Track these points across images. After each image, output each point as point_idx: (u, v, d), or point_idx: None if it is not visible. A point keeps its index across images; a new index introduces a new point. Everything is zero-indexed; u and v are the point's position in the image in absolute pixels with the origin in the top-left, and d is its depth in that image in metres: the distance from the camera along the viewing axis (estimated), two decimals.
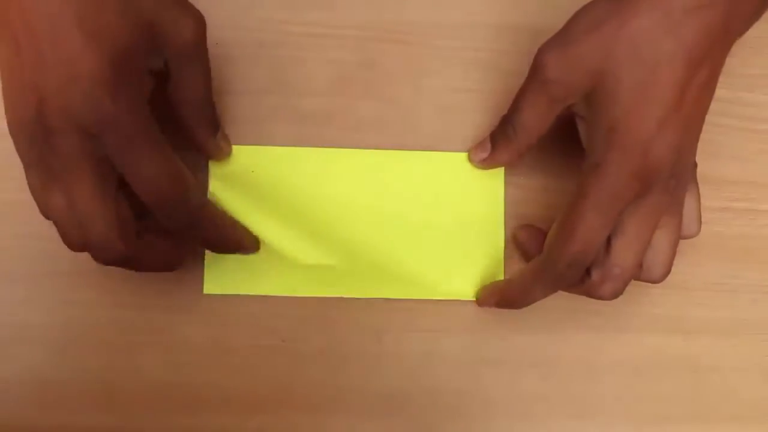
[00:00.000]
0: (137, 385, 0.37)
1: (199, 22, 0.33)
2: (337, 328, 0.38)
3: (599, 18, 0.31)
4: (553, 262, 0.33)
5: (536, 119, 0.34)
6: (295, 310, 0.38)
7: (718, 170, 0.39)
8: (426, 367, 0.38)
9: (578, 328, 0.38)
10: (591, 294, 0.34)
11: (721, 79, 0.32)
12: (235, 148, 0.38)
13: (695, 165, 0.35)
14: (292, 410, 0.37)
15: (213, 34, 0.38)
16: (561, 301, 0.37)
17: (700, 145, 0.33)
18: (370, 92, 0.39)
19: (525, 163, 0.39)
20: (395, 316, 0.38)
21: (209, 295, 0.38)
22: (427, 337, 0.38)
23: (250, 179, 0.38)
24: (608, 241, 0.33)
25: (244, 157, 0.38)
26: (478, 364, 0.38)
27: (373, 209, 0.38)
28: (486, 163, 0.38)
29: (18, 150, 0.31)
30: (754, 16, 0.32)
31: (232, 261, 0.37)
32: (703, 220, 0.36)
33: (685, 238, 0.35)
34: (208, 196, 0.38)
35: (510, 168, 0.39)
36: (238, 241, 0.36)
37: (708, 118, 0.32)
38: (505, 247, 0.38)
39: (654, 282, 0.35)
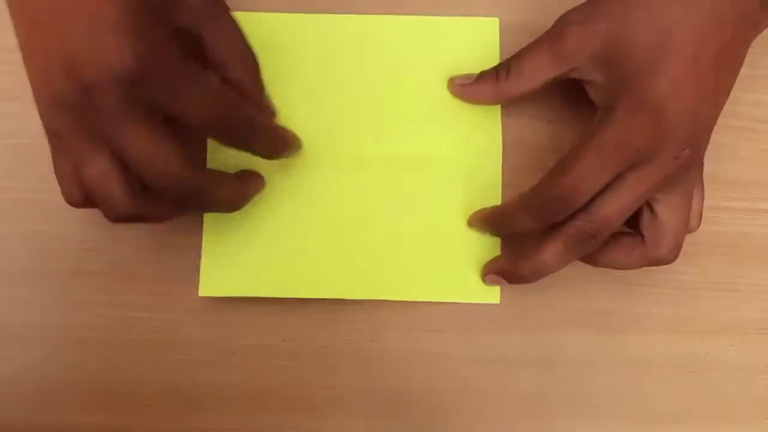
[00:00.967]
0: (137, 385, 0.37)
1: None
2: (337, 328, 0.38)
3: None
4: (542, 191, 0.33)
5: (534, 69, 0.35)
6: (295, 310, 0.38)
7: (719, 170, 0.39)
8: (426, 367, 0.38)
9: (579, 327, 0.38)
10: (567, 240, 0.34)
11: None
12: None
13: (702, 164, 0.35)
14: (292, 410, 0.37)
15: None
16: (562, 301, 0.37)
17: None
18: None
19: (522, 164, 0.39)
20: (395, 316, 0.38)
21: (209, 296, 0.38)
22: (427, 337, 0.38)
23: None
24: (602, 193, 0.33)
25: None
26: (478, 363, 0.38)
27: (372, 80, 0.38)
28: (463, 90, 0.38)
29: (49, 125, 0.30)
30: None
31: (229, 263, 0.37)
32: (703, 219, 0.36)
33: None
34: None
35: (508, 168, 0.39)
36: (290, 140, 0.36)
37: None
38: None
39: (663, 262, 0.34)
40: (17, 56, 0.38)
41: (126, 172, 0.29)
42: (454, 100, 0.38)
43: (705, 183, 0.36)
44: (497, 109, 0.38)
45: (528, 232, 0.35)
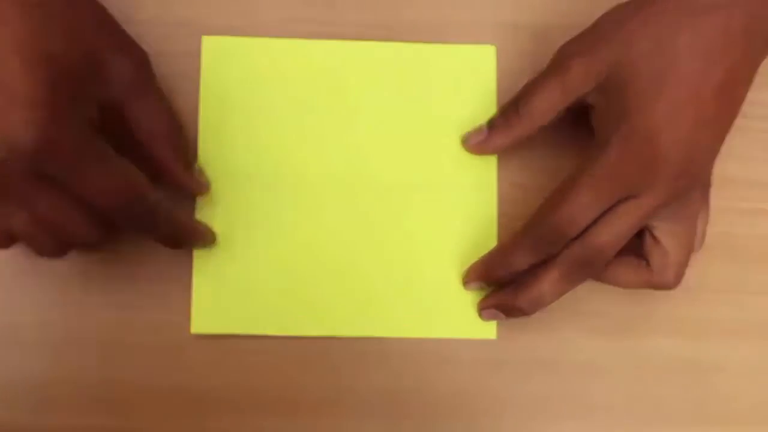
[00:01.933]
0: (137, 385, 0.37)
1: (140, 62, 0.33)
2: None
3: (624, 16, 0.32)
4: (535, 225, 0.34)
5: (546, 106, 0.34)
6: None
7: (722, 170, 0.38)
8: (426, 367, 0.38)
9: (581, 329, 0.38)
10: (563, 269, 0.34)
11: None
12: (228, 39, 0.38)
13: (709, 184, 0.35)
14: (292, 410, 0.37)
15: (211, 33, 0.38)
16: (563, 302, 0.37)
17: None
18: None
19: (522, 164, 0.39)
20: None
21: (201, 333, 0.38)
22: (427, 338, 0.38)
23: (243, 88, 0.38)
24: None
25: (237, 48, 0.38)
26: (478, 364, 0.38)
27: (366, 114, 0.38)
28: (481, 147, 0.37)
29: None
30: None
31: (222, 299, 0.37)
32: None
33: None
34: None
35: (507, 168, 0.39)
36: (198, 233, 0.36)
37: None
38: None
39: (666, 287, 0.35)
40: None
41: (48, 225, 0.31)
42: (450, 129, 0.38)
43: None
44: None
45: (526, 270, 0.35)
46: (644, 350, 0.38)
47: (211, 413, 0.37)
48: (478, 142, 0.37)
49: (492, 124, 0.37)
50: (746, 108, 0.33)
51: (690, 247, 0.35)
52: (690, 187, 0.33)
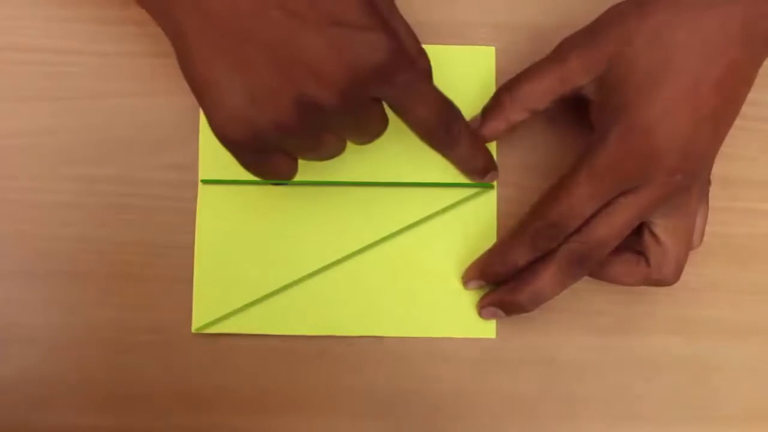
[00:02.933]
0: (137, 385, 0.37)
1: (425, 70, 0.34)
2: None
3: (624, 12, 0.33)
4: (533, 220, 0.34)
5: (540, 91, 0.35)
6: None
7: (721, 170, 0.38)
8: (426, 367, 0.38)
9: (580, 328, 0.38)
10: (561, 263, 0.34)
11: None
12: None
13: (709, 182, 0.35)
14: (292, 410, 0.37)
15: None
16: (562, 302, 0.37)
17: None
18: None
19: (521, 164, 0.39)
20: None
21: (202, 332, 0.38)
22: (427, 338, 0.38)
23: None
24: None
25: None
26: (478, 364, 0.38)
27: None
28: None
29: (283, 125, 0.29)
30: None
31: (222, 299, 0.37)
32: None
33: None
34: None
35: (507, 168, 0.39)
36: (491, 161, 0.37)
37: None
38: None
39: (665, 284, 0.35)
40: (18, 56, 0.38)
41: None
42: None
43: None
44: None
45: (525, 268, 0.35)
46: (643, 349, 0.38)
47: (211, 413, 0.37)
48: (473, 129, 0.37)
49: (486, 110, 0.37)
50: (746, 108, 0.33)
51: (689, 243, 0.35)
52: (688, 182, 0.33)
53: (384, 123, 0.32)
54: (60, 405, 0.37)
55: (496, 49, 0.39)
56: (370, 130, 0.32)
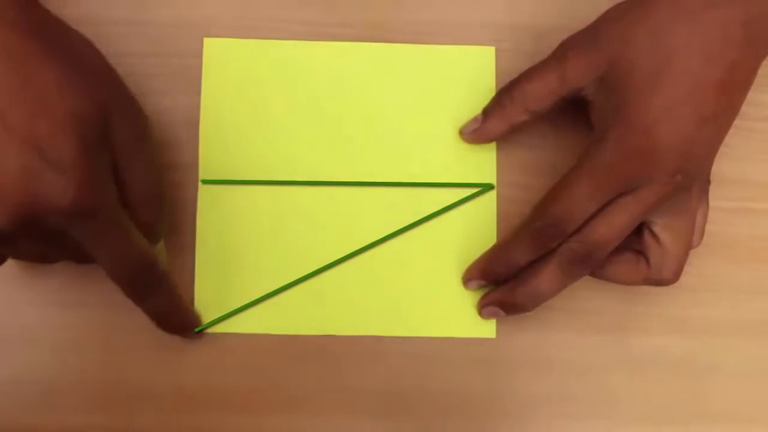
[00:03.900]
0: (137, 385, 0.37)
1: (143, 122, 0.32)
2: None
3: (624, 13, 0.33)
4: (534, 220, 0.34)
5: (541, 92, 0.35)
6: None
7: (721, 170, 0.39)
8: (426, 367, 0.38)
9: (580, 328, 0.38)
10: (561, 263, 0.34)
11: None
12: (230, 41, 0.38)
13: (709, 182, 0.35)
14: (292, 410, 0.37)
15: (212, 33, 0.39)
16: (562, 301, 0.37)
17: None
18: None
19: (521, 164, 0.39)
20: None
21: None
22: (428, 337, 0.38)
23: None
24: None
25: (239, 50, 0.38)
26: (478, 364, 0.38)
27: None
28: (476, 135, 0.37)
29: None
30: None
31: (223, 298, 0.37)
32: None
33: None
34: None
35: (507, 168, 0.39)
36: (189, 317, 0.37)
37: None
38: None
39: (665, 283, 0.35)
40: None
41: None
42: (450, 130, 0.38)
43: None
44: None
45: (525, 267, 0.35)
46: (643, 349, 0.38)
47: (211, 413, 0.37)
48: (473, 130, 0.37)
49: (486, 110, 0.37)
50: (745, 108, 0.33)
51: (689, 243, 0.35)
52: (688, 182, 0.33)
53: (75, 254, 0.32)
54: (60, 405, 0.37)
55: (496, 49, 0.39)
56: (55, 257, 0.32)
